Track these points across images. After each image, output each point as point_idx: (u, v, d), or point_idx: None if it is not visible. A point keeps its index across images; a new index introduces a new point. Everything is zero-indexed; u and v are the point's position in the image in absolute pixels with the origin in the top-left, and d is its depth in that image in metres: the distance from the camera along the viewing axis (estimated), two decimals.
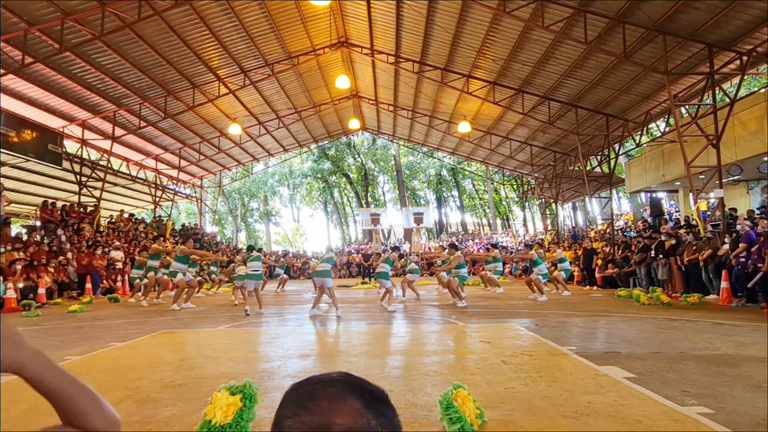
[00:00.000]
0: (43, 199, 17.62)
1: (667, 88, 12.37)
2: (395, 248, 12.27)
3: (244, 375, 4.03)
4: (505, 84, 17.09)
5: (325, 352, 5.45)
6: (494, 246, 16.95)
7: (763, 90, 13.85)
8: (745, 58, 11.51)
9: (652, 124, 17.59)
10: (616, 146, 18.60)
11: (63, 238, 14.97)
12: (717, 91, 12.35)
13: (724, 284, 9.54)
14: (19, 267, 11.76)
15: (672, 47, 11.96)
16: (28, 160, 15.28)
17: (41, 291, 11.93)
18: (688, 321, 7.08)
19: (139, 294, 12.42)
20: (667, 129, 16.42)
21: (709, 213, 13.83)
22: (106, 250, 15.74)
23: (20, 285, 11.45)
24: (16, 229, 16.54)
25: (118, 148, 20.01)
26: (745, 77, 12.57)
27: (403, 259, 14.39)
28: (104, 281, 14.79)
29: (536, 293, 11.47)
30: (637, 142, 18.11)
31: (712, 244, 10.52)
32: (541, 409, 3.10)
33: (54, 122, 16.48)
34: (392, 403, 0.67)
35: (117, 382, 3.99)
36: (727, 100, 12.42)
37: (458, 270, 10.46)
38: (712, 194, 15.78)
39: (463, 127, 20.20)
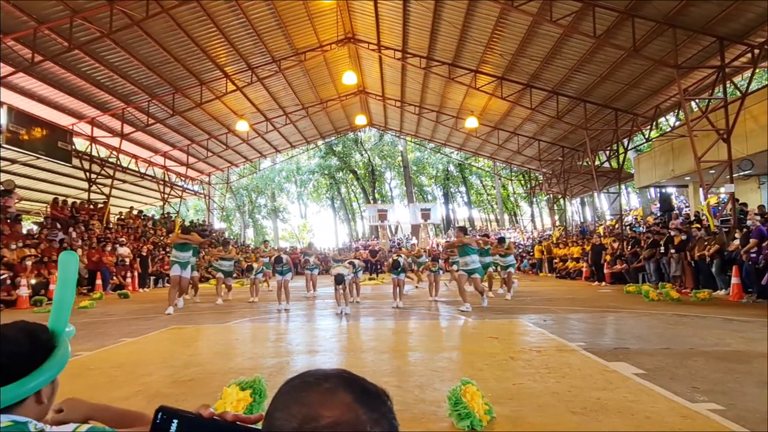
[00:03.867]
0: (54, 196, 17.79)
1: (677, 82, 12.24)
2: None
3: (253, 371, 4.06)
4: (513, 79, 16.99)
5: (334, 347, 5.47)
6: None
7: None
8: (756, 51, 11.36)
9: (662, 119, 17.45)
10: (625, 141, 18.45)
11: (73, 234, 15.10)
12: (728, 85, 12.20)
13: (734, 280, 9.45)
14: (29, 263, 11.89)
15: (682, 41, 11.83)
16: (38, 158, 15.44)
17: (53, 287, 12.06)
18: (697, 317, 7.03)
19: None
20: (677, 123, 16.27)
21: (719, 208, 13.71)
22: (117, 246, 15.87)
23: (32, 281, 11.59)
24: (27, 225, 16.70)
25: (126, 146, 20.14)
26: (757, 70, 12.41)
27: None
28: (114, 277, 14.92)
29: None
30: (647, 136, 17.96)
31: (719, 240, 10.44)
32: (549, 405, 3.09)
33: (63, 120, 16.62)
34: (390, 402, 0.64)
35: (128, 377, 4.03)
36: (738, 93, 12.28)
37: (466, 259, 8.83)
38: (722, 189, 15.64)
39: (471, 122, 20.14)
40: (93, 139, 18.30)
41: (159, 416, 0.66)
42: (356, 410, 0.58)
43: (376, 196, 44.37)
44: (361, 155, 44.51)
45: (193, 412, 0.68)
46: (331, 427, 0.56)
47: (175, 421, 0.66)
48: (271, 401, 0.63)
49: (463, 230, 9.37)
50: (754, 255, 9.10)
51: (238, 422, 0.69)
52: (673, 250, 11.98)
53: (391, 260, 11.63)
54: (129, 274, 15.71)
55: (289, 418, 0.58)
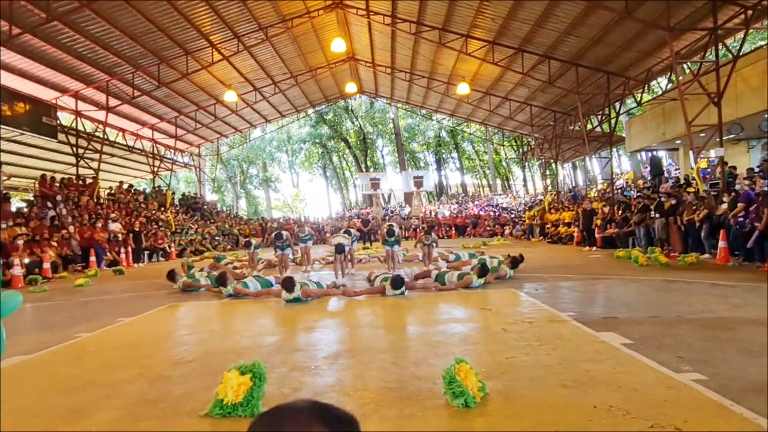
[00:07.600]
0: (41, 172, 17.57)
1: (669, 45, 12.13)
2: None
3: (251, 350, 4.14)
4: (505, 43, 16.73)
5: (330, 323, 5.56)
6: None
7: (767, 45, 13.56)
8: (749, 12, 11.23)
9: (654, 82, 17.34)
10: (617, 105, 18.39)
11: (64, 211, 15.00)
12: (720, 47, 12.10)
13: (722, 244, 9.62)
14: (20, 242, 11.82)
15: (675, 2, 11.65)
16: (23, 134, 15.17)
17: (46, 266, 12.02)
18: (685, 282, 7.19)
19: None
20: (668, 87, 16.19)
21: (708, 171, 13.82)
22: (109, 222, 15.80)
23: (26, 260, 11.56)
24: (16, 203, 16.54)
25: (113, 119, 19.81)
26: (750, 32, 12.29)
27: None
28: (108, 254, 14.91)
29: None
30: (638, 100, 17.89)
31: (707, 204, 10.56)
32: (540, 378, 3.19)
33: (46, 94, 16.26)
34: (358, 426, 0.69)
35: (128, 359, 4.09)
36: (730, 56, 12.19)
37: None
38: (712, 153, 15.72)
39: (462, 88, 19.94)
40: (78, 113, 17.96)
41: None
42: None
43: (368, 164, 44.19)
44: (353, 123, 44.08)
45: None
46: None
47: None
48: None
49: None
50: (741, 219, 9.24)
51: None
52: (658, 214, 12.09)
53: (385, 228, 11.63)
54: (123, 250, 15.70)
55: None
